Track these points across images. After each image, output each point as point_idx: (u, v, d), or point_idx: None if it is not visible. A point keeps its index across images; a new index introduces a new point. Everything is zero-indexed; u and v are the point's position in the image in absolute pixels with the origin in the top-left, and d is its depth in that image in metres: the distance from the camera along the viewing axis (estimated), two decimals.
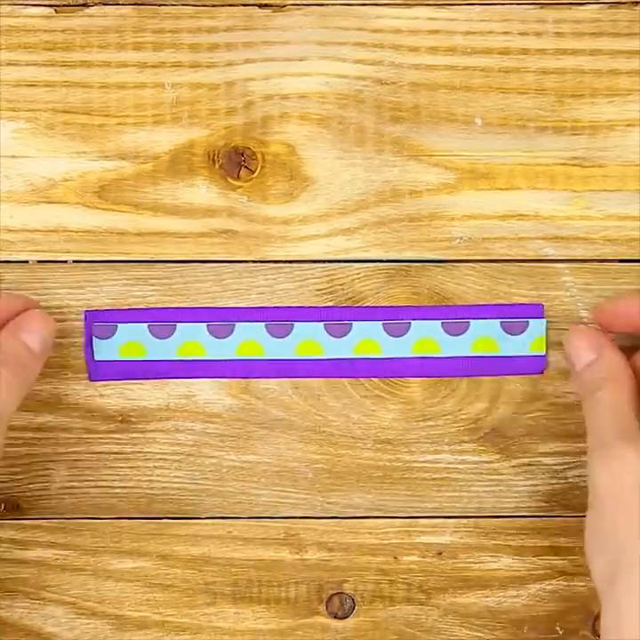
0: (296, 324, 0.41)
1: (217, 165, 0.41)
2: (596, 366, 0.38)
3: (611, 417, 0.36)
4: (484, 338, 0.41)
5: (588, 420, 0.37)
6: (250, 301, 0.41)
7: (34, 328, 0.38)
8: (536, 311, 0.41)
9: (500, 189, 0.41)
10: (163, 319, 0.41)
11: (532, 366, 0.41)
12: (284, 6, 0.41)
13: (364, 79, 0.41)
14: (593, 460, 0.35)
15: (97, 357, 0.41)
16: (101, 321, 0.41)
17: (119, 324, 0.41)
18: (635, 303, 0.38)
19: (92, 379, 0.41)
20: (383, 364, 0.41)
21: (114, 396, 0.42)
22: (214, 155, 0.41)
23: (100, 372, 0.41)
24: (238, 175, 0.41)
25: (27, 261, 0.41)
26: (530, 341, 0.41)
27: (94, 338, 0.41)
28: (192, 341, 0.41)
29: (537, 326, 0.41)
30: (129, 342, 0.41)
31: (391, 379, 0.41)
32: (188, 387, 0.42)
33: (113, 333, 0.41)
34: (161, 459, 0.42)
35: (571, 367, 0.39)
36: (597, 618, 0.43)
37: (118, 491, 0.42)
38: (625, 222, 0.41)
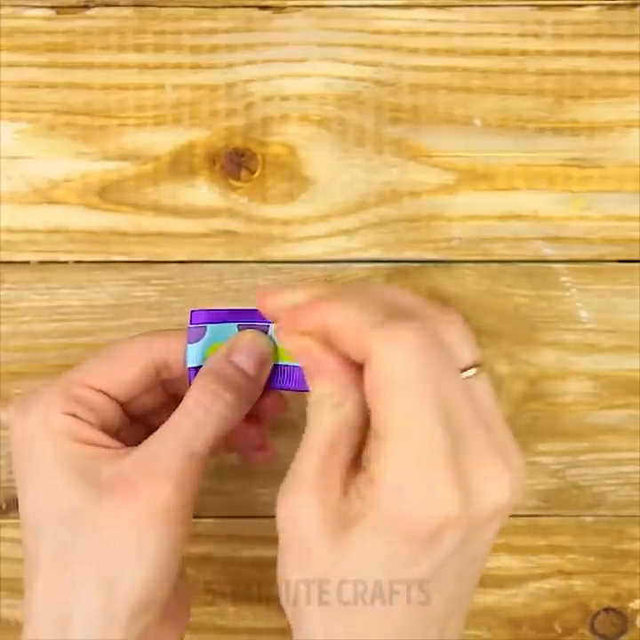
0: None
1: (217, 166, 0.41)
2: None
3: None
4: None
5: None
6: (250, 302, 0.41)
7: (245, 350, 0.35)
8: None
9: (499, 190, 0.41)
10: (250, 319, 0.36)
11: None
12: (284, 8, 0.41)
13: (363, 80, 0.41)
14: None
15: (189, 364, 0.35)
16: (195, 323, 0.36)
17: (208, 325, 0.36)
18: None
19: None
20: None
21: None
22: (215, 156, 0.41)
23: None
24: (239, 176, 0.41)
25: (28, 262, 0.41)
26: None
27: (188, 344, 0.35)
28: None
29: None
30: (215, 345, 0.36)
31: None
32: None
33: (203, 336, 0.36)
34: None
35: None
36: (596, 616, 0.43)
37: None
38: (623, 223, 0.41)
